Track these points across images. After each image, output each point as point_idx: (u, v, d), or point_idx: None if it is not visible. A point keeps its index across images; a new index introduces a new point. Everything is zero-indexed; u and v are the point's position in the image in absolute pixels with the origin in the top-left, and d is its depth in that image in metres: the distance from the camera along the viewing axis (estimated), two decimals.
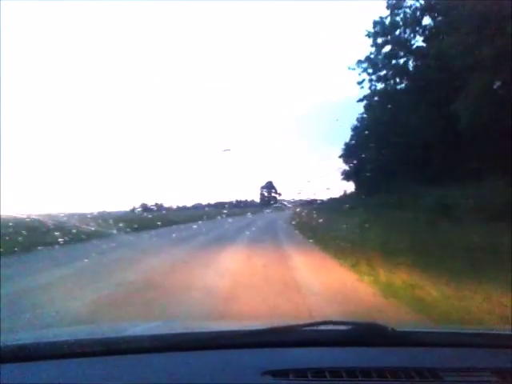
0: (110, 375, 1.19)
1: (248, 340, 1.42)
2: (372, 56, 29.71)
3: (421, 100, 24.88)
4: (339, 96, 73.61)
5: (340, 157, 42.45)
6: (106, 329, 2.01)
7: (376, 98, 31.36)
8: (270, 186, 77.64)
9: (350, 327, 1.45)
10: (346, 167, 41.50)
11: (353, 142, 40.48)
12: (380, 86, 30.44)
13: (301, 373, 1.17)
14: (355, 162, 37.31)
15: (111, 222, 18.81)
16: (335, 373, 1.16)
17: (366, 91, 31.70)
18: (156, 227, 22.98)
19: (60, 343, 1.37)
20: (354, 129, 40.48)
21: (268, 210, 58.27)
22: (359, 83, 31.23)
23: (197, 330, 1.71)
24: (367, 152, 32.08)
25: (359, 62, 30.51)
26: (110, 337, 1.51)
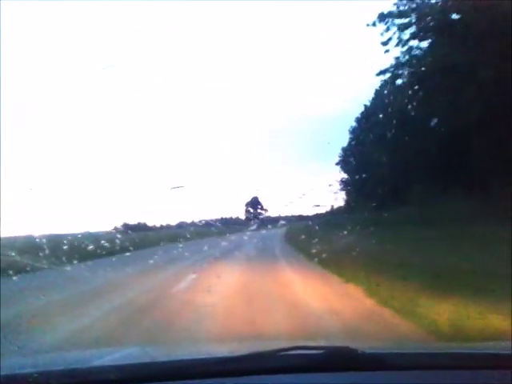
0: None
1: (220, 368, 1.38)
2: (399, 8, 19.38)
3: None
4: (327, 110, 71.73)
5: (337, 164, 39.13)
6: (73, 357, 1.95)
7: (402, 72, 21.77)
8: (255, 202, 73.60)
9: (321, 352, 1.45)
10: (343, 176, 38.46)
11: (352, 143, 37.25)
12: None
13: None
14: (360, 172, 33.68)
15: (65, 247, 14.04)
16: None
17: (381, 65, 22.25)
18: (123, 251, 18.19)
19: (23, 375, 1.34)
20: (353, 131, 37.23)
21: (252, 228, 54.15)
22: (384, 44, 20.75)
23: (167, 359, 1.63)
24: (375, 153, 27.68)
25: (382, 16, 20.37)
26: (77, 367, 1.45)
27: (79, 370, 1.41)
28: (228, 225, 64.57)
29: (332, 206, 54.98)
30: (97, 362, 1.57)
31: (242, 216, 78.28)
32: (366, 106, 31.42)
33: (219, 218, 75.02)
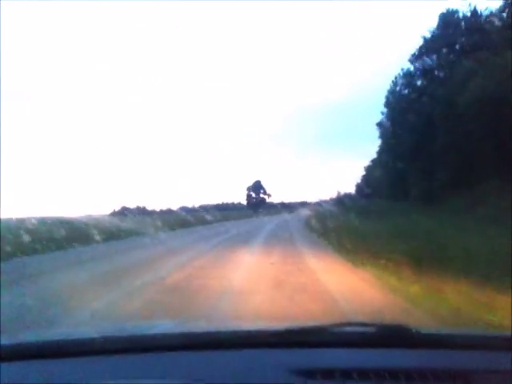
0: (133, 372, 1.19)
1: (275, 340, 1.39)
2: None
3: None
4: (335, 95, 66.57)
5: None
6: (130, 327, 2.02)
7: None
8: (258, 187, 65.57)
9: (375, 329, 1.43)
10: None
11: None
12: None
13: (328, 373, 1.16)
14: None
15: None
16: (362, 374, 1.15)
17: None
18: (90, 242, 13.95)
19: (83, 340, 1.40)
20: (388, 104, 29.58)
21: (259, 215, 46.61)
22: None
23: (221, 329, 1.66)
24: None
25: None
26: (134, 334, 1.53)
27: (136, 336, 1.48)
28: (228, 211, 59.02)
29: (339, 193, 52.11)
30: (153, 330, 1.62)
31: (244, 201, 71.26)
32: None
33: (220, 203, 69.54)
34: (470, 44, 21.29)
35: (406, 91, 25.86)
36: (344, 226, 15.18)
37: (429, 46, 23.83)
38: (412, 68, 25.11)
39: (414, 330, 1.38)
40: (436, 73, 23.90)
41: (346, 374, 1.15)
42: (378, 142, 35.25)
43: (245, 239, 14.64)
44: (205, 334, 1.53)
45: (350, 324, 1.49)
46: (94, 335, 1.42)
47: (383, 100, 29.06)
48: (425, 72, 24.19)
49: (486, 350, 1.35)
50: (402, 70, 25.64)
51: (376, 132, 33.82)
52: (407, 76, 25.42)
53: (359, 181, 51.24)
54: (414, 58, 24.77)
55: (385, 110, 29.72)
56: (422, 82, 24.27)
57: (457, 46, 22.71)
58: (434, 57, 23.69)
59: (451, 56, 22.50)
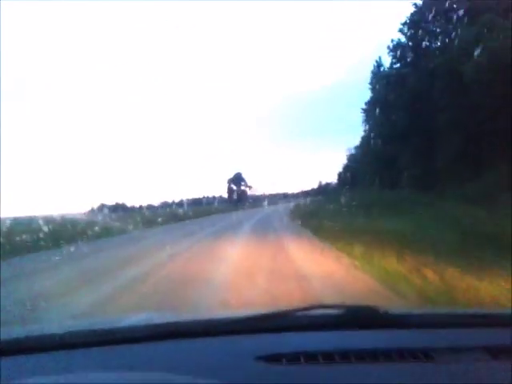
0: (105, 364, 1.19)
1: (240, 326, 1.40)
2: None
3: None
4: (316, 85, 64.65)
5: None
6: (102, 321, 2.04)
7: None
8: (238, 179, 62.44)
9: (342, 310, 1.42)
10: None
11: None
12: None
13: (294, 357, 1.17)
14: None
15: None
16: (328, 356, 1.16)
17: None
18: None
19: (57, 335, 1.36)
20: (373, 85, 27.12)
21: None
22: None
23: (189, 319, 1.69)
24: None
25: None
26: (106, 327, 1.48)
27: (108, 329, 1.44)
28: (209, 205, 56.37)
29: (320, 183, 51.69)
30: (123, 322, 1.62)
31: (225, 194, 68.06)
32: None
33: (201, 196, 66.59)
34: (472, 8, 18.66)
35: (397, 65, 23.11)
36: (347, 227, 12.01)
37: (422, 14, 21.17)
38: (403, 39, 22.33)
39: (381, 311, 1.38)
40: (431, 43, 21.25)
41: (312, 356, 1.16)
42: (361, 130, 33.37)
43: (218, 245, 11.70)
44: (169, 324, 1.50)
45: (317, 306, 1.47)
46: (64, 330, 1.41)
47: (366, 89, 27.15)
48: (418, 42, 21.48)
49: (452, 328, 1.37)
50: (392, 41, 22.85)
51: (359, 122, 32.35)
52: (397, 48, 22.66)
53: (341, 170, 50.05)
54: (406, 28, 22.07)
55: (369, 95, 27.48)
56: (416, 54, 21.53)
57: (455, 13, 20.07)
58: (429, 25, 21.02)
59: (449, 23, 19.86)
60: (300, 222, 17.39)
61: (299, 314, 1.42)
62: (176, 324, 1.48)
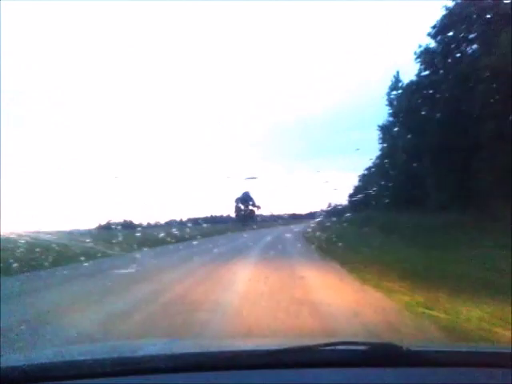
0: None
1: (265, 360, 1.38)
2: None
3: None
4: (326, 107, 63.76)
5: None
6: (119, 347, 1.96)
7: None
8: (246, 198, 60.22)
9: (365, 347, 1.42)
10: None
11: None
12: None
13: None
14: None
15: None
16: None
17: None
18: None
19: (75, 363, 1.36)
20: (391, 101, 25.23)
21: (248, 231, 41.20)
22: None
23: (212, 350, 1.64)
24: None
25: None
26: (125, 356, 1.46)
27: (127, 358, 1.43)
28: (216, 224, 54.01)
29: (329, 204, 48.88)
30: (144, 351, 1.59)
31: (233, 213, 65.62)
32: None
33: (209, 215, 64.52)
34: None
35: (425, 73, 20.94)
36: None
37: (454, 17, 19.13)
38: (433, 43, 20.26)
39: (404, 348, 1.37)
40: (466, 47, 19.10)
41: None
42: (373, 150, 31.45)
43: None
44: (192, 355, 1.49)
45: (340, 343, 1.45)
46: (83, 357, 1.40)
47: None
48: (450, 47, 19.36)
49: (476, 367, 1.35)
50: (420, 46, 20.79)
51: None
52: (426, 54, 20.55)
53: (352, 191, 48.02)
54: (435, 32, 20.02)
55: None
56: (448, 59, 19.36)
57: (491, 15, 17.97)
58: (464, 28, 18.91)
59: (489, 25, 17.71)
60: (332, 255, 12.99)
61: (324, 349, 1.39)
62: (199, 355, 1.47)
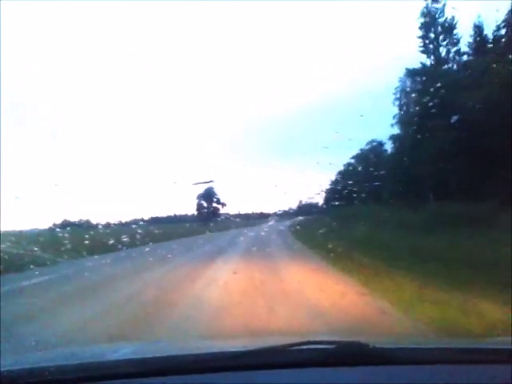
0: None
1: (231, 363, 1.37)
2: None
3: None
4: (297, 104, 60.89)
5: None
6: (86, 352, 1.91)
7: None
8: (210, 194, 54.49)
9: (332, 347, 1.42)
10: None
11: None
12: None
13: None
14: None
15: None
16: None
17: None
18: None
19: (39, 369, 1.33)
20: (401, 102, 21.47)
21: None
22: None
23: (180, 353, 1.61)
24: None
25: None
26: (91, 361, 1.44)
27: (94, 363, 1.41)
28: (177, 223, 48.01)
29: (300, 201, 48.40)
30: (111, 356, 1.58)
31: (194, 211, 59.49)
32: None
33: (172, 215, 58.31)
34: None
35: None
36: None
37: None
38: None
39: (370, 346, 1.37)
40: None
41: None
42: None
43: None
44: (163, 358, 1.48)
45: (306, 343, 1.45)
46: (44, 364, 1.39)
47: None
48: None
49: (443, 364, 1.35)
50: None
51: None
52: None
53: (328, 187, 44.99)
54: None
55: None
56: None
57: None
58: None
59: None
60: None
61: (292, 349, 1.40)
62: (170, 358, 1.47)
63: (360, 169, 35.69)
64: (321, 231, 17.55)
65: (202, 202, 54.88)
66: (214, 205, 54.96)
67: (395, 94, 26.92)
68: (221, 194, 54.34)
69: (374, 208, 22.48)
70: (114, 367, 1.33)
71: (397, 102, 26.55)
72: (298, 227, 22.68)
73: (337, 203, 35.97)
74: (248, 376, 1.30)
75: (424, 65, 20.08)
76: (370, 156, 31.04)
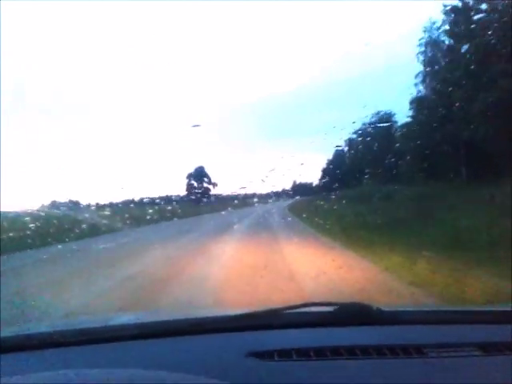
0: (96, 363, 1.19)
1: (231, 324, 1.39)
2: None
3: None
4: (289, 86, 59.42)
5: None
6: (93, 319, 2.03)
7: None
8: (200, 173, 51.66)
9: (334, 308, 1.41)
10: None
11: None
12: None
13: (286, 353, 1.16)
14: None
15: None
16: (320, 352, 1.16)
17: None
18: None
19: (48, 333, 1.40)
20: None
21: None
22: None
23: (179, 317, 1.67)
24: None
25: None
26: (96, 326, 1.50)
27: (99, 328, 1.45)
28: (170, 203, 44.60)
29: (294, 182, 49.06)
30: (113, 321, 1.69)
31: (184, 192, 56.47)
32: None
33: (164, 195, 55.12)
34: None
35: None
36: None
37: None
38: None
39: (374, 308, 1.37)
40: None
41: (304, 353, 1.15)
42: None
43: None
44: (159, 322, 1.51)
45: (309, 304, 1.45)
46: (65, 327, 1.50)
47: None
48: None
49: (444, 325, 1.37)
50: None
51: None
52: None
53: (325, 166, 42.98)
54: None
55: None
56: None
57: None
58: None
59: None
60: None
61: (291, 311, 1.40)
62: (166, 322, 1.50)
63: (361, 147, 33.34)
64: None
65: (193, 181, 52.00)
66: (205, 184, 52.19)
67: (419, 46, 22.43)
68: (212, 174, 51.56)
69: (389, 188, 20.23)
70: (117, 331, 1.39)
71: (421, 58, 22.25)
72: (305, 215, 19.71)
73: (336, 184, 33.98)
74: (249, 336, 1.31)
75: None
76: (375, 130, 28.40)
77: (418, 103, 20.90)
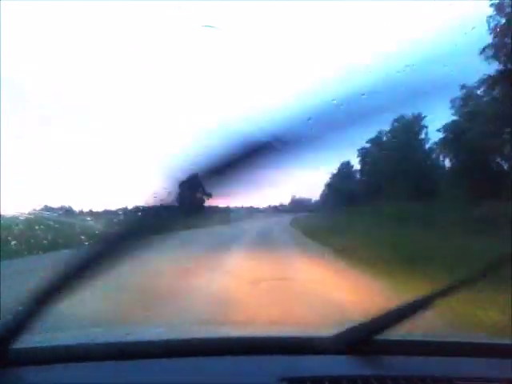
0: (119, 379, 1.15)
1: (264, 346, 1.37)
2: None
3: None
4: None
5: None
6: (114, 332, 1.93)
7: None
8: (194, 182, 47.62)
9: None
10: None
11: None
12: None
13: (318, 381, 1.14)
14: None
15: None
16: (352, 381, 1.13)
17: None
18: None
19: (63, 347, 1.35)
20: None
21: None
22: None
23: (210, 336, 1.62)
24: None
25: None
26: (120, 341, 1.44)
27: (123, 343, 1.42)
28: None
29: (293, 196, 48.71)
30: (139, 336, 1.61)
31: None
32: None
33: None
34: None
35: None
36: None
37: None
38: None
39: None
40: None
41: (335, 381, 1.13)
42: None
43: None
44: (192, 340, 1.47)
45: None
46: (84, 341, 1.42)
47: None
48: None
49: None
50: None
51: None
52: None
53: (328, 183, 40.03)
54: None
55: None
56: None
57: None
58: None
59: None
60: None
61: (323, 336, 1.38)
62: (198, 340, 1.45)
63: (378, 153, 29.53)
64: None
65: (185, 191, 48.45)
66: (199, 195, 48.64)
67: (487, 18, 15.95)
68: (205, 184, 48.54)
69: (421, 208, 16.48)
70: (143, 347, 1.35)
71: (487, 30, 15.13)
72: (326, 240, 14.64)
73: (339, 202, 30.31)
74: (282, 360, 1.28)
75: None
76: (397, 138, 24.71)
77: (489, 85, 13.80)
